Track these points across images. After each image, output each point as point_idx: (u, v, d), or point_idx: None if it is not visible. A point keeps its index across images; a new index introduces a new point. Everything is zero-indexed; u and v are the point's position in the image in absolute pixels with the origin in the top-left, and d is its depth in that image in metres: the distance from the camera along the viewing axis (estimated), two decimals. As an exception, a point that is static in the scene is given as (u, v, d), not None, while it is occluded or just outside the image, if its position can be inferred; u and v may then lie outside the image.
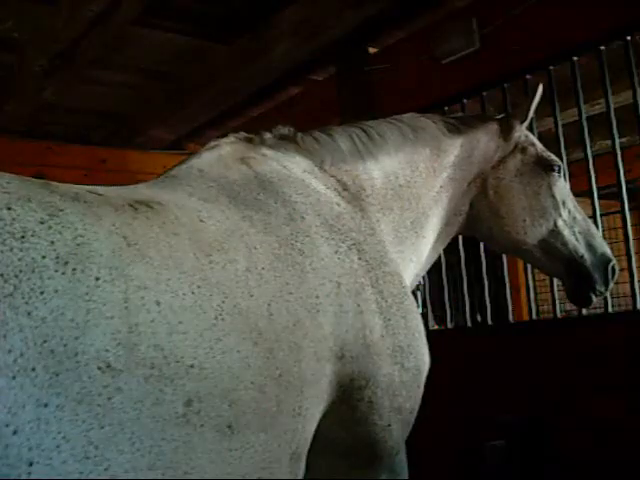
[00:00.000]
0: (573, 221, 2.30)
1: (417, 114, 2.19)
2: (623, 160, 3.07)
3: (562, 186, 2.30)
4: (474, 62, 3.64)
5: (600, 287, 2.31)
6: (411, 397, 1.60)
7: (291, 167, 1.70)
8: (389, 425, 1.55)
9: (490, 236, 2.26)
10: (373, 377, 1.50)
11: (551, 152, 2.37)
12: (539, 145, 2.33)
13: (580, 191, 3.65)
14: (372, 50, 4.35)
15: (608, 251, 2.34)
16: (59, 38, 3.82)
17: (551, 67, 3.29)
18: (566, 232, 2.27)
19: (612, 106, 3.08)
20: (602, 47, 3.08)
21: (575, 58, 3.20)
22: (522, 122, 2.27)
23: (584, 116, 3.20)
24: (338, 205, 1.69)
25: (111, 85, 4.87)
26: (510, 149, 2.24)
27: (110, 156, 5.22)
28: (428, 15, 4.00)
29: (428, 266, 2.19)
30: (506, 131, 2.24)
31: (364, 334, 1.50)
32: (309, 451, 1.41)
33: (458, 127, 2.17)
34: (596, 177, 3.14)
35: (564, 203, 2.29)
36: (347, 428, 1.51)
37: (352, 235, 1.63)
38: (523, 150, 2.27)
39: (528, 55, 3.36)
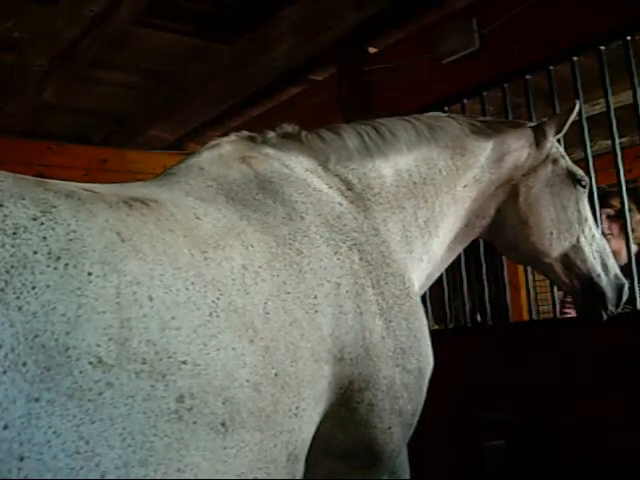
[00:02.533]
0: (592, 239, 2.29)
1: (441, 113, 2.17)
2: (623, 160, 3.07)
3: (586, 202, 2.30)
4: (474, 62, 3.64)
5: (612, 307, 2.32)
6: (413, 399, 1.58)
7: (293, 166, 1.68)
8: (390, 428, 1.53)
9: (513, 244, 2.23)
10: (373, 379, 1.49)
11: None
12: (568, 158, 2.32)
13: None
14: (372, 50, 4.35)
15: (620, 273, 2.35)
16: (59, 38, 3.82)
17: (551, 67, 3.28)
18: (587, 249, 2.26)
19: (612, 106, 3.08)
20: (602, 47, 3.07)
21: (575, 58, 3.19)
22: (557, 133, 2.25)
23: (584, 116, 3.19)
24: (340, 205, 1.68)
25: (111, 85, 4.87)
26: (542, 158, 2.22)
27: (110, 156, 5.21)
28: (428, 15, 4.00)
29: (444, 266, 2.16)
30: (539, 140, 2.21)
31: (364, 336, 1.48)
32: (308, 452, 1.40)
33: (485, 130, 2.14)
34: (596, 177, 3.14)
35: (586, 219, 2.28)
36: (347, 431, 1.50)
37: (353, 235, 1.61)
38: (555, 161, 2.25)
39: (528, 55, 3.36)
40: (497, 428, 3.13)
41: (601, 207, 3.35)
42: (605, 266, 2.31)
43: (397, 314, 1.58)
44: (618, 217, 3.45)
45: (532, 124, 2.31)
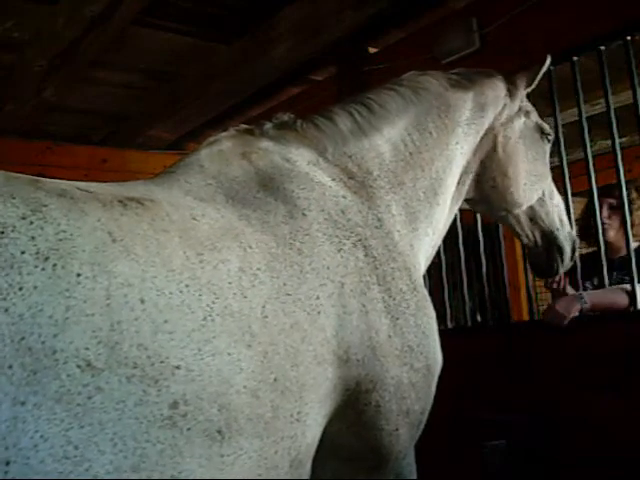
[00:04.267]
0: (552, 194, 2.36)
1: (417, 72, 2.12)
2: (623, 160, 3.07)
3: (548, 157, 2.36)
4: (474, 62, 3.63)
5: (567, 260, 2.44)
6: (420, 399, 1.54)
7: (295, 160, 1.64)
8: (397, 429, 1.50)
9: (489, 196, 2.21)
10: (380, 380, 1.45)
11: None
12: (536, 112, 2.36)
13: (580, 191, 3.65)
14: (372, 50, 4.35)
15: (572, 230, 2.49)
16: (59, 38, 3.83)
17: (551, 67, 3.28)
18: (549, 202, 2.34)
19: (612, 106, 3.08)
20: (602, 47, 3.07)
21: (575, 58, 3.19)
22: (527, 86, 2.25)
23: (584, 116, 3.19)
24: (344, 198, 1.62)
25: (111, 85, 4.88)
26: (515, 109, 2.22)
27: (110, 156, 5.21)
28: (428, 15, 4.00)
29: (445, 232, 2.14)
30: (512, 90, 2.21)
31: (370, 336, 1.44)
32: (315, 455, 1.38)
33: (463, 82, 2.12)
34: (596, 177, 3.14)
35: (549, 173, 2.35)
36: (353, 433, 1.46)
37: (358, 230, 1.56)
38: (527, 114, 2.27)
39: (528, 55, 3.36)
40: (497, 428, 3.13)
41: (606, 197, 3.36)
42: (561, 221, 2.39)
43: (404, 311, 1.54)
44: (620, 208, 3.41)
45: (502, 74, 2.29)
